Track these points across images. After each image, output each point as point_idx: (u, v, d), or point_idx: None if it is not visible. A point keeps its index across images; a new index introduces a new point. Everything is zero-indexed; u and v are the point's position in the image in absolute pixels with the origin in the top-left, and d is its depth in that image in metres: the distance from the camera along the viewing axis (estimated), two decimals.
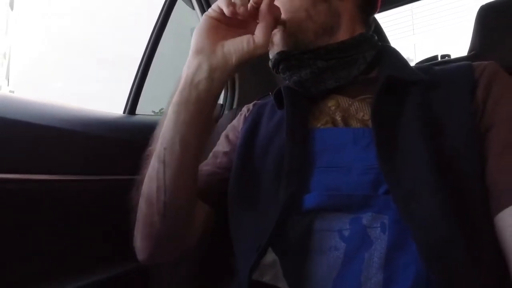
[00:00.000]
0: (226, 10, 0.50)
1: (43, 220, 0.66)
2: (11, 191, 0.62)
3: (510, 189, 0.43)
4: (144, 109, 1.05)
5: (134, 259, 0.58)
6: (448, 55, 1.19)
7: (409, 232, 0.42)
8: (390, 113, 0.50)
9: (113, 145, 0.81)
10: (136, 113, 0.99)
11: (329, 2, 0.57)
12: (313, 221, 0.46)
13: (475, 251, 0.41)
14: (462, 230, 0.41)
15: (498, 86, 0.49)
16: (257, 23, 0.51)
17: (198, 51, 0.51)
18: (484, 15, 0.98)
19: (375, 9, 0.64)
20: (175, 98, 0.51)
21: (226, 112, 1.19)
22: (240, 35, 0.51)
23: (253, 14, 0.51)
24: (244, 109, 0.71)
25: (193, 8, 1.19)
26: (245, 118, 0.68)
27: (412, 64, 0.66)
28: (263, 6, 0.51)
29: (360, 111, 0.54)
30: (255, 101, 0.72)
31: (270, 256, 0.46)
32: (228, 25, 0.52)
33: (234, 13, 0.49)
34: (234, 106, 1.21)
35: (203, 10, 1.17)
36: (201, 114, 0.52)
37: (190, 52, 0.52)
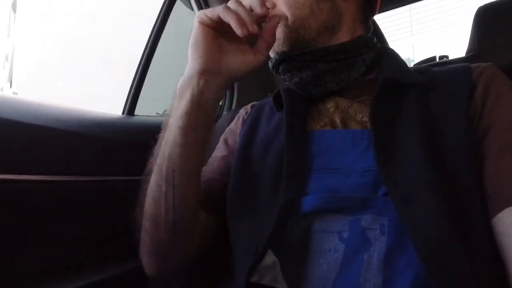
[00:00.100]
0: (239, 32, 0.47)
1: (42, 220, 0.66)
2: (9, 191, 0.62)
3: (508, 190, 0.43)
4: (150, 111, 1.05)
5: (134, 259, 0.58)
6: (446, 56, 1.19)
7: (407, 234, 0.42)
8: (389, 115, 0.50)
9: (111, 145, 0.81)
10: (135, 113, 1.00)
11: (333, 1, 0.57)
12: (312, 223, 0.46)
13: (473, 253, 0.41)
14: (460, 232, 0.41)
15: (496, 88, 0.50)
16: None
17: (204, 71, 0.51)
18: (482, 16, 0.99)
19: (375, 11, 0.64)
20: (182, 121, 0.51)
21: (224, 113, 1.19)
22: (236, 44, 0.52)
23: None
24: (242, 111, 0.71)
25: (192, 9, 1.19)
26: (244, 121, 0.67)
27: (413, 64, 0.66)
28: (271, 26, 0.52)
29: (359, 112, 0.54)
30: (252, 103, 0.72)
31: (270, 258, 0.46)
32: (223, 32, 0.51)
33: (246, 34, 0.48)
34: (233, 107, 1.21)
35: None
36: (210, 132, 0.53)
37: (192, 70, 0.51)
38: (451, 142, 0.47)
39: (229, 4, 0.49)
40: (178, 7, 1.10)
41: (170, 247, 0.55)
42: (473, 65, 0.54)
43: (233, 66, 0.52)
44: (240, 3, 0.50)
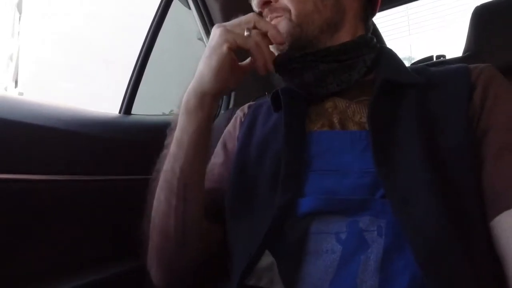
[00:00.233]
0: (261, 71, 0.52)
1: (40, 220, 0.66)
2: (9, 191, 0.62)
3: (507, 193, 0.43)
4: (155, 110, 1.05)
5: (134, 259, 0.58)
6: (444, 56, 1.19)
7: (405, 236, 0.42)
8: (387, 116, 0.50)
9: (109, 145, 0.81)
10: (132, 113, 0.99)
11: None
12: (310, 224, 0.46)
13: (471, 256, 0.41)
14: (458, 235, 0.41)
15: (495, 89, 0.50)
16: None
17: (220, 93, 0.53)
18: (478, 16, 0.99)
19: (375, 11, 0.64)
20: (194, 139, 0.52)
21: (222, 112, 1.19)
22: (242, 64, 0.55)
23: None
24: (239, 112, 0.70)
25: (189, 8, 1.19)
26: (241, 123, 0.67)
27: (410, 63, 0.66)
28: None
29: (357, 113, 0.54)
30: (249, 103, 0.72)
31: (267, 260, 0.45)
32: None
33: (265, 73, 0.51)
34: (230, 106, 1.21)
35: (199, 10, 1.16)
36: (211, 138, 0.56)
37: (209, 90, 0.52)
38: (450, 143, 0.47)
39: (254, 36, 0.51)
40: (176, 6, 1.09)
41: (179, 258, 0.55)
42: (471, 66, 0.54)
43: (235, 81, 0.54)
44: (265, 37, 0.51)
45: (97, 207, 0.75)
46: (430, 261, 0.39)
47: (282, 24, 0.56)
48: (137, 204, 0.61)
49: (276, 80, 0.57)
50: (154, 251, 0.56)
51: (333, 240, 0.44)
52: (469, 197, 0.45)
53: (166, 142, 0.57)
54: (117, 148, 0.82)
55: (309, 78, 0.56)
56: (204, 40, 1.21)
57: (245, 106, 0.71)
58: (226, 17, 1.14)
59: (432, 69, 0.58)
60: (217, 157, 0.66)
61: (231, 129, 0.69)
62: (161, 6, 1.04)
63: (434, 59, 1.17)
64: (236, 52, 0.51)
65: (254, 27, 0.52)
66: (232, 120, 0.70)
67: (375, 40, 0.61)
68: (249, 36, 0.51)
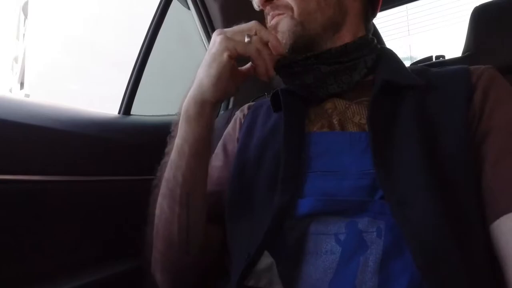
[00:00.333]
0: (264, 78, 0.52)
1: (39, 220, 0.66)
2: (7, 191, 0.62)
3: (507, 196, 0.43)
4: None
5: (133, 259, 0.58)
6: (443, 56, 1.19)
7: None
8: (387, 118, 0.50)
9: (108, 145, 0.81)
10: (131, 113, 0.99)
11: None
12: (309, 225, 0.46)
13: (469, 258, 0.41)
14: (456, 237, 0.41)
15: (495, 92, 0.49)
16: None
17: (220, 101, 0.54)
18: (478, 16, 0.99)
19: (376, 12, 0.64)
20: (196, 148, 0.52)
21: (222, 112, 1.19)
22: (242, 70, 0.55)
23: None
24: (239, 113, 0.70)
25: (188, 8, 1.19)
26: (241, 124, 0.67)
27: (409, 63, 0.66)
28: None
29: (356, 114, 0.53)
30: (249, 104, 0.72)
31: (266, 261, 0.45)
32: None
33: (269, 76, 0.52)
34: (230, 106, 1.20)
35: (198, 10, 1.16)
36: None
37: (209, 97, 0.51)
38: (450, 145, 0.46)
39: (255, 43, 0.50)
40: (175, 6, 1.09)
41: (183, 262, 0.55)
42: (472, 67, 0.54)
43: (235, 88, 0.54)
44: (266, 46, 0.51)
45: (96, 207, 0.75)
46: (428, 263, 0.39)
47: (284, 22, 0.56)
48: (137, 205, 0.61)
49: (276, 80, 0.57)
50: (158, 257, 0.56)
51: (332, 241, 0.44)
52: (468, 200, 0.44)
53: (166, 150, 0.57)
54: (117, 148, 0.82)
55: (310, 80, 0.56)
56: (204, 40, 1.21)
57: (245, 107, 0.71)
58: (226, 18, 1.14)
59: (432, 70, 0.58)
60: (217, 160, 0.65)
61: (231, 131, 0.68)
62: (160, 6, 1.04)
63: (434, 59, 1.17)
64: (236, 59, 0.51)
65: (255, 35, 0.51)
66: (232, 122, 0.70)
67: (375, 41, 0.61)
68: (249, 42, 0.50)
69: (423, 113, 0.50)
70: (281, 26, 0.56)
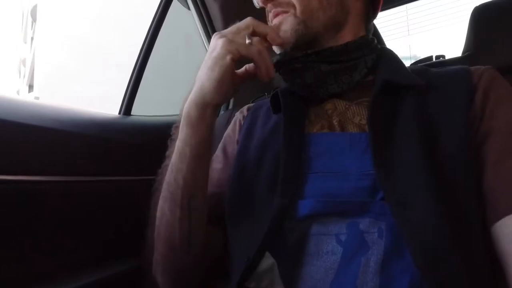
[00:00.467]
0: (265, 80, 0.52)
1: (40, 221, 0.66)
2: (7, 192, 0.62)
3: (508, 197, 0.43)
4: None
5: (133, 259, 0.58)
6: (443, 56, 1.19)
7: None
8: (387, 118, 0.50)
9: (108, 145, 0.81)
10: (132, 113, 0.99)
11: None
12: (310, 225, 0.46)
13: (469, 259, 0.41)
14: (456, 237, 0.41)
15: (496, 92, 0.49)
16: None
17: (221, 104, 0.53)
18: (478, 16, 0.99)
19: (377, 12, 0.64)
20: (198, 151, 0.52)
21: (222, 112, 1.19)
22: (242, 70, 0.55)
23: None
24: (238, 115, 0.70)
25: (189, 9, 1.19)
26: (241, 125, 0.67)
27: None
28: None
29: (357, 115, 0.53)
30: (248, 105, 0.72)
31: (267, 262, 0.45)
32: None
33: (269, 77, 0.52)
34: (230, 106, 1.20)
35: (198, 11, 1.16)
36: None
37: (211, 101, 0.51)
38: (450, 146, 0.46)
39: (256, 44, 0.51)
40: (175, 7, 1.09)
41: (185, 265, 0.55)
42: (472, 68, 0.53)
43: (234, 91, 0.54)
44: (265, 42, 0.52)
45: (96, 207, 0.75)
46: (428, 263, 0.39)
47: (287, 21, 0.56)
48: (137, 205, 0.61)
49: (276, 80, 0.57)
50: (159, 259, 0.56)
51: (333, 242, 0.44)
52: (468, 200, 0.44)
53: (167, 153, 0.57)
54: (117, 148, 0.82)
55: (310, 79, 0.56)
56: (204, 41, 1.21)
57: (244, 108, 0.71)
58: (226, 18, 1.14)
59: (432, 70, 0.57)
60: (217, 162, 0.65)
61: (231, 133, 0.68)
62: (161, 6, 1.04)
63: (434, 59, 1.17)
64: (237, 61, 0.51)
65: (253, 32, 0.51)
66: (231, 123, 0.69)
67: (376, 41, 0.61)
68: (250, 44, 0.50)
69: (423, 113, 0.50)
70: (284, 25, 0.56)
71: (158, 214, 0.55)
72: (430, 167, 0.44)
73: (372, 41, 0.60)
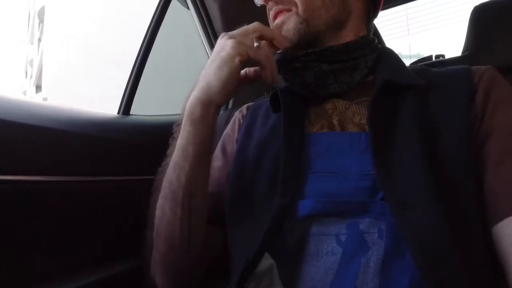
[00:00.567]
0: (269, 82, 0.53)
1: (39, 221, 0.66)
2: (7, 192, 0.62)
3: (509, 198, 0.43)
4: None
5: (132, 259, 0.58)
6: (443, 55, 1.19)
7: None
8: (387, 118, 0.50)
9: (107, 145, 0.81)
10: (131, 113, 0.99)
11: None
12: (310, 226, 0.46)
13: (469, 259, 0.41)
14: (456, 238, 0.41)
15: (497, 92, 0.49)
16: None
17: (224, 103, 0.54)
18: (477, 15, 0.99)
19: (378, 12, 0.64)
20: (200, 148, 0.52)
21: (221, 112, 1.19)
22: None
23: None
24: (238, 114, 0.70)
25: (188, 8, 1.19)
26: (240, 124, 0.67)
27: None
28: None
29: (357, 114, 0.53)
30: (248, 104, 0.71)
31: (266, 262, 0.45)
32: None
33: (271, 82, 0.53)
34: (230, 106, 1.20)
35: (198, 10, 1.16)
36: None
37: (216, 100, 0.52)
38: (450, 146, 0.46)
39: (264, 47, 0.52)
40: (174, 6, 1.09)
41: (185, 265, 0.55)
42: (473, 68, 0.53)
43: (236, 92, 0.54)
44: (271, 53, 0.53)
45: (96, 207, 0.75)
46: (428, 263, 0.39)
47: (289, 20, 0.56)
48: (137, 205, 0.61)
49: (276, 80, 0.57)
50: (158, 259, 0.56)
51: (333, 242, 0.44)
52: (468, 201, 0.44)
53: (168, 151, 0.57)
54: (116, 148, 0.82)
55: (310, 78, 0.56)
56: (203, 40, 1.21)
57: (244, 108, 0.71)
58: (225, 17, 1.14)
59: (432, 70, 0.57)
60: (216, 160, 0.65)
61: (230, 132, 0.68)
62: (160, 6, 1.04)
63: (433, 59, 1.17)
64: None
65: (261, 36, 0.52)
66: (231, 123, 0.69)
67: (376, 41, 0.61)
68: (258, 47, 0.51)
69: (423, 113, 0.50)
70: (286, 24, 0.56)
71: (158, 213, 0.55)
72: (430, 167, 0.44)
73: (373, 41, 0.60)
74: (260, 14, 0.61)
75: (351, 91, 0.56)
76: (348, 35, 0.58)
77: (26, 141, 0.66)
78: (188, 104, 0.52)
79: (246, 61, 0.51)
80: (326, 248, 0.44)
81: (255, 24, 0.53)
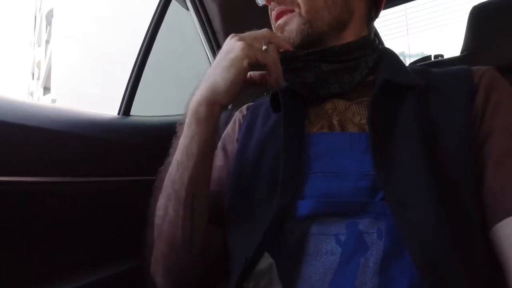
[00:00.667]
0: (274, 87, 0.54)
1: (39, 222, 0.66)
2: (7, 193, 0.62)
3: (509, 198, 0.43)
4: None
5: (132, 259, 0.58)
6: (441, 55, 1.19)
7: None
8: (387, 118, 0.50)
9: (108, 146, 0.81)
10: (131, 114, 0.99)
11: None
12: (310, 226, 0.46)
13: (469, 259, 0.41)
14: (456, 238, 0.41)
15: (497, 93, 0.49)
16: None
17: (229, 104, 0.54)
18: (476, 15, 0.99)
19: (378, 13, 0.64)
20: (204, 147, 0.52)
21: None
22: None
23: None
24: (238, 114, 0.70)
25: (187, 9, 1.19)
26: (240, 124, 0.67)
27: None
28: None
29: (357, 114, 0.53)
30: (248, 104, 0.71)
31: (266, 262, 0.45)
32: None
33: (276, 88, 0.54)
34: (230, 106, 1.20)
35: (197, 11, 1.17)
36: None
37: (221, 101, 0.52)
38: (450, 146, 0.46)
39: (271, 52, 0.52)
40: (174, 6, 1.09)
41: (186, 265, 0.55)
42: (473, 68, 0.53)
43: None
44: (278, 58, 0.53)
45: (96, 208, 0.75)
46: (428, 265, 0.39)
47: (292, 21, 0.56)
48: (137, 205, 0.61)
49: None
50: (159, 259, 0.56)
51: (332, 242, 0.44)
52: (468, 201, 0.44)
53: (170, 150, 0.57)
54: (116, 149, 0.83)
55: (311, 78, 0.56)
56: (203, 41, 1.21)
57: (244, 107, 0.71)
58: (224, 18, 1.14)
59: (433, 70, 0.58)
60: (217, 160, 0.65)
61: (230, 132, 0.68)
62: (160, 7, 1.05)
63: (432, 59, 1.17)
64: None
65: (269, 42, 0.52)
66: (231, 122, 0.69)
67: (377, 41, 0.61)
68: (266, 51, 0.51)
69: (423, 113, 0.50)
70: (289, 25, 0.56)
71: (160, 213, 0.54)
72: (430, 167, 0.44)
73: (374, 41, 0.60)
74: (259, 15, 0.61)
75: (351, 91, 0.56)
76: (349, 36, 0.58)
77: (26, 142, 0.66)
78: (193, 102, 0.52)
79: (254, 64, 0.51)
80: (326, 248, 0.44)
81: (264, 30, 0.53)
